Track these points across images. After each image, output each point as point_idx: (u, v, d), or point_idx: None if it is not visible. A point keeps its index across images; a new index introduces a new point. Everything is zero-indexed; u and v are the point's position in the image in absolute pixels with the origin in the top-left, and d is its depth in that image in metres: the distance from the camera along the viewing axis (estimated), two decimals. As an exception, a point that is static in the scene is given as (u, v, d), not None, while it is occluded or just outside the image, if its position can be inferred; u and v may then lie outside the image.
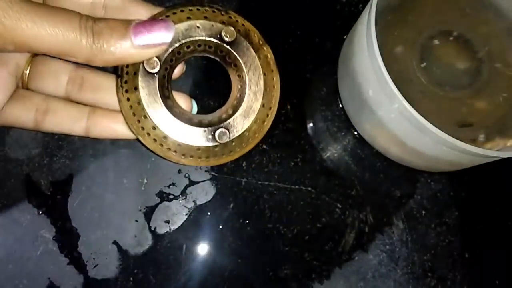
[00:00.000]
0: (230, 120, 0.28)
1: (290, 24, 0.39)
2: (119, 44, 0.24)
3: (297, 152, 0.37)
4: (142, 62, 0.27)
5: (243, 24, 0.29)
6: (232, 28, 0.28)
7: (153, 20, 0.26)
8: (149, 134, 0.27)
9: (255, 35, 0.30)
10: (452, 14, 0.36)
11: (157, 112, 0.27)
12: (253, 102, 0.29)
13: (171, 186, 0.34)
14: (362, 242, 0.36)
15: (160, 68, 0.27)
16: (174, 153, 0.28)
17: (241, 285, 0.34)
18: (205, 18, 0.28)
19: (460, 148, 0.27)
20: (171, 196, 0.34)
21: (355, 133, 0.37)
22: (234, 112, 0.29)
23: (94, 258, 0.33)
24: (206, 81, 0.36)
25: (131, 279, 0.33)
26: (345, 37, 0.36)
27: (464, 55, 0.35)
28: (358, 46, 0.31)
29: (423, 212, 0.37)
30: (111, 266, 0.33)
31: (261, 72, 0.29)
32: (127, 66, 0.27)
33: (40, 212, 0.33)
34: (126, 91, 0.27)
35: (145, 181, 0.34)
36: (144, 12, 0.29)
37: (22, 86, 0.29)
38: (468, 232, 0.37)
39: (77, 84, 0.30)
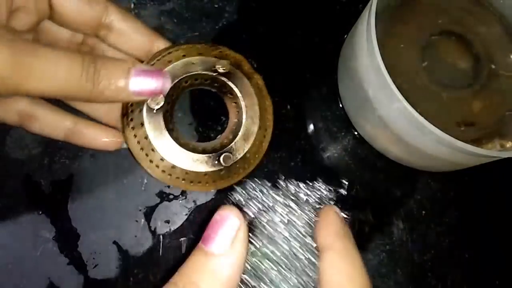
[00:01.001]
0: (232, 144, 0.30)
1: (290, 24, 0.39)
2: (116, 90, 0.24)
3: (297, 152, 0.37)
4: (146, 100, 0.28)
5: (233, 56, 0.32)
6: (225, 61, 0.30)
7: (152, 70, 0.26)
8: (157, 166, 0.29)
9: (245, 65, 0.32)
10: (452, 14, 0.36)
11: (163, 144, 0.29)
12: (251, 125, 0.31)
13: (171, 186, 0.34)
14: (362, 242, 0.36)
15: (164, 103, 0.29)
16: (183, 181, 0.30)
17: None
18: (199, 54, 0.30)
19: (460, 148, 0.27)
20: (171, 196, 0.34)
21: (355, 133, 0.37)
22: (235, 136, 0.31)
23: (94, 258, 0.33)
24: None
25: (131, 279, 0.33)
26: (345, 37, 0.36)
27: (464, 55, 0.35)
28: (358, 46, 0.31)
29: (423, 212, 0.37)
30: (111, 266, 0.33)
31: (255, 98, 0.31)
32: (131, 104, 0.29)
33: (40, 212, 0.33)
34: (133, 128, 0.29)
35: (145, 181, 0.34)
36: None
37: None
38: (468, 232, 0.37)
39: None
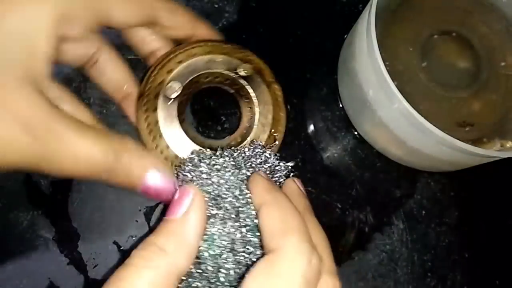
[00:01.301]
0: (238, 148, 0.30)
1: (290, 24, 0.39)
2: (132, 183, 0.25)
3: (297, 152, 0.37)
4: (161, 86, 0.29)
5: (257, 62, 0.32)
6: (249, 65, 0.31)
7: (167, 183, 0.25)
8: (162, 152, 0.29)
9: (267, 73, 0.32)
10: (452, 14, 0.36)
11: (172, 132, 0.29)
12: (260, 132, 0.31)
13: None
14: (362, 242, 0.36)
15: (179, 94, 0.29)
16: None
17: (241, 285, 0.34)
18: (224, 53, 0.31)
19: (460, 148, 0.27)
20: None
21: (355, 133, 0.37)
22: (243, 140, 0.30)
23: (94, 258, 0.33)
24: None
25: (131, 279, 0.33)
26: (345, 37, 0.36)
27: (464, 55, 0.35)
28: (358, 46, 0.31)
29: (423, 212, 0.37)
30: (111, 266, 0.33)
31: (271, 107, 0.31)
32: (149, 88, 0.30)
33: (40, 212, 0.33)
34: (146, 110, 0.29)
35: (145, 181, 0.34)
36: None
37: None
38: (468, 232, 0.37)
39: None
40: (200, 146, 0.30)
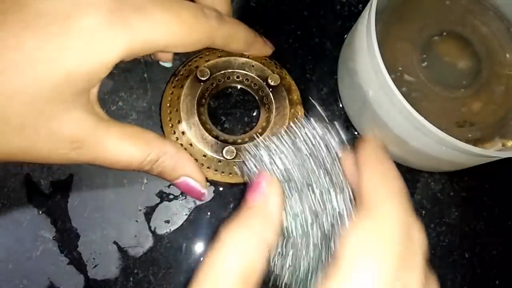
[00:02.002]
0: (242, 146, 0.32)
1: (290, 24, 0.39)
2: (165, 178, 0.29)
3: (297, 152, 0.37)
4: (196, 70, 0.33)
5: (289, 81, 0.35)
6: (277, 76, 0.34)
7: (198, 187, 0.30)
8: (172, 126, 0.32)
9: (295, 94, 0.34)
10: (452, 14, 0.36)
11: (188, 111, 0.32)
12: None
13: (171, 186, 0.34)
14: (362, 242, 0.36)
15: (208, 80, 0.33)
16: (180, 146, 0.31)
17: (241, 285, 0.34)
18: (262, 63, 0.34)
19: (460, 148, 0.27)
20: (171, 196, 0.34)
21: (355, 133, 0.37)
22: (250, 141, 0.32)
23: (94, 258, 0.33)
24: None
25: (131, 279, 0.33)
26: (345, 37, 0.36)
27: (464, 55, 0.35)
28: (358, 46, 0.31)
29: (423, 212, 0.37)
30: (111, 266, 0.33)
31: (287, 121, 0.33)
32: (185, 68, 0.33)
33: (40, 212, 0.33)
34: (174, 87, 0.33)
35: (145, 181, 0.34)
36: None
37: None
38: (468, 232, 0.37)
39: None
40: (208, 132, 0.32)
